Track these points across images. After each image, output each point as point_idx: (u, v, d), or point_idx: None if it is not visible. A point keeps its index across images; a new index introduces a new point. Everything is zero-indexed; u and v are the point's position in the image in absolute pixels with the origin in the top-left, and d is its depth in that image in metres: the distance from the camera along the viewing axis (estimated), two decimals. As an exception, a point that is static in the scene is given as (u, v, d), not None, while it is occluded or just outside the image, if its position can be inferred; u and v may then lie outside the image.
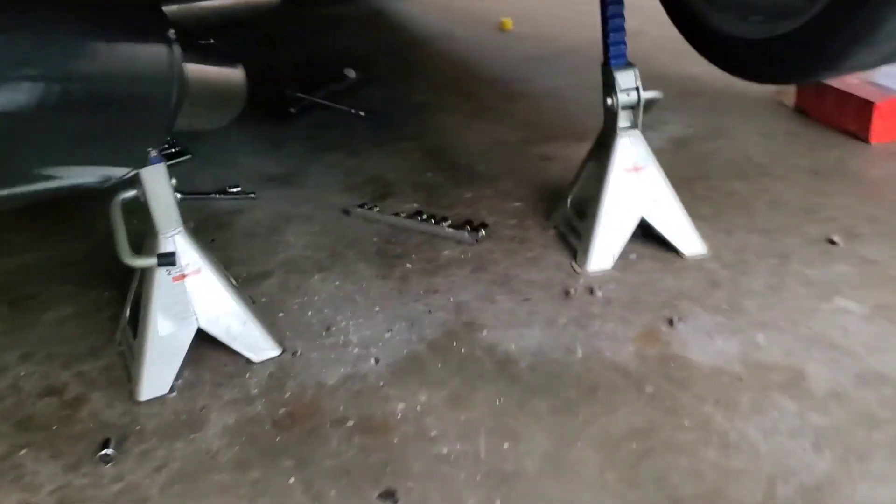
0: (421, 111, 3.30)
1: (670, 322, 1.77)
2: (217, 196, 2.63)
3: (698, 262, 2.02)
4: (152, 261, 1.63)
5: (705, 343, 1.70)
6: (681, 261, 2.03)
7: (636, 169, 2.02)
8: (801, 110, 2.96)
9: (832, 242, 2.05)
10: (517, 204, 2.43)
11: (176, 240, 1.70)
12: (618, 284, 1.96)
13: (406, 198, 2.54)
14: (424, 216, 2.35)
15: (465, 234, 2.22)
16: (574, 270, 2.04)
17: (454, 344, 1.76)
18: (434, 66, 3.96)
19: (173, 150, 2.98)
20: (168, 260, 1.65)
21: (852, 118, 2.71)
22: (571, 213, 2.18)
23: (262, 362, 1.75)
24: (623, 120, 2.01)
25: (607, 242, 2.02)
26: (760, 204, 2.31)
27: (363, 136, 3.09)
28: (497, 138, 2.96)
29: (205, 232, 2.40)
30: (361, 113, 3.24)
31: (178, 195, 2.45)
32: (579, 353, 1.70)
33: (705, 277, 1.95)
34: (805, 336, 1.70)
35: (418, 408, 1.57)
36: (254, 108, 3.51)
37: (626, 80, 1.98)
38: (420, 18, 5.02)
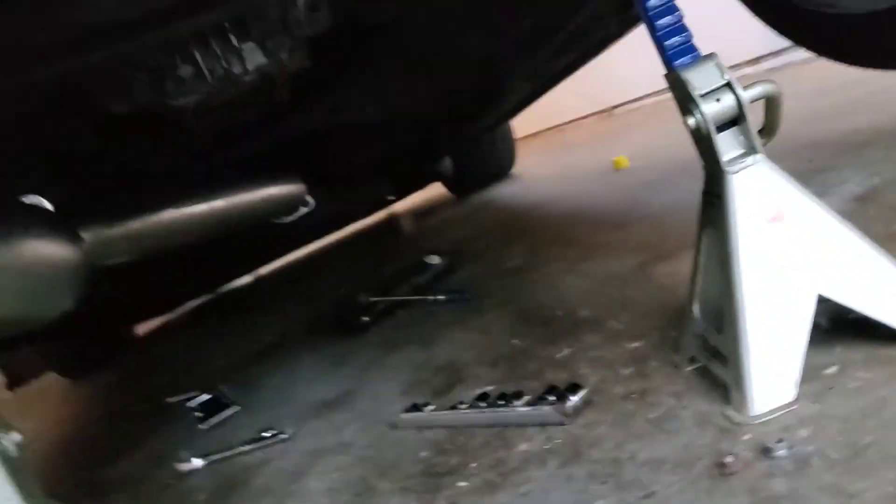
0: (512, 277, 2.57)
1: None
2: (245, 449, 1.96)
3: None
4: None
5: None
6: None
7: (777, 217, 1.15)
8: None
9: None
10: (634, 345, 1.58)
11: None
12: (816, 427, 1.04)
13: (479, 380, 1.76)
14: (491, 399, 1.54)
15: (547, 411, 1.38)
16: (729, 422, 1.13)
17: None
18: (533, 229, 3.28)
19: (221, 404, 2.43)
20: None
21: None
22: (705, 327, 1.29)
23: None
24: (727, 145, 1.18)
25: (773, 359, 1.11)
26: None
27: (440, 321, 2.38)
28: (606, 272, 2.15)
29: (216, 502, 1.73)
30: (441, 297, 2.56)
31: (199, 461, 1.86)
32: None
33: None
34: None
35: None
36: (320, 331, 3.01)
37: (704, 78, 1.18)
38: (526, 193, 4.44)
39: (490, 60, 2.40)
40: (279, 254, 4.91)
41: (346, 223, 5.01)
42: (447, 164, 4.94)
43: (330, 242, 5.80)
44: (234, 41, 1.28)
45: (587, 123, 6.42)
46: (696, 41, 1.22)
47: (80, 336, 4.44)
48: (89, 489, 2.27)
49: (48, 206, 1.50)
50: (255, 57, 1.31)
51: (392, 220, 5.96)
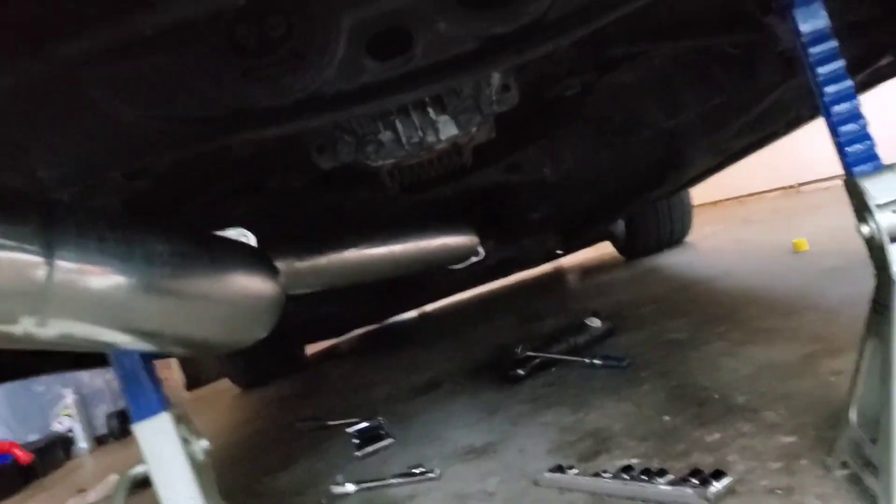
0: (673, 349, 2.55)
1: None
2: (394, 481, 2.08)
3: None
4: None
5: None
6: None
7: (948, 334, 1.12)
8: None
9: None
10: (787, 439, 1.56)
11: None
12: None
13: (625, 451, 1.78)
14: (635, 473, 1.56)
15: (689, 493, 1.40)
16: (876, 534, 1.11)
17: None
18: (701, 302, 3.22)
19: (377, 434, 2.58)
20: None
21: None
22: (861, 436, 1.27)
23: None
24: (902, 256, 1.18)
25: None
26: None
27: (594, 386, 2.41)
28: (769, 360, 2.11)
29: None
30: (597, 361, 2.59)
31: (351, 486, 2.00)
32: None
33: None
34: None
35: None
36: (477, 376, 3.10)
37: (883, 188, 1.18)
38: (697, 263, 4.36)
39: (672, 134, 2.43)
40: (446, 294, 5.09)
41: (513, 272, 5.12)
42: (619, 224, 4.94)
43: (496, 287, 5.94)
44: (432, 114, 1.43)
45: (770, 198, 6.22)
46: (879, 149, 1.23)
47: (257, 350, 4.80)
48: (252, 497, 2.47)
49: (252, 238, 1.71)
50: (448, 129, 1.44)
51: (559, 273, 6.01)
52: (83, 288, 1.01)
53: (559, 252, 4.81)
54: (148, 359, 1.21)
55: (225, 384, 5.94)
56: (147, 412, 1.19)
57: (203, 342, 1.35)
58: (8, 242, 0.90)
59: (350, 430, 2.80)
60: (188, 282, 1.20)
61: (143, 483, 1.32)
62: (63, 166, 1.31)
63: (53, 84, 1.14)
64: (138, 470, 1.26)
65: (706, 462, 1.56)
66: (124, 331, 1.14)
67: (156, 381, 1.21)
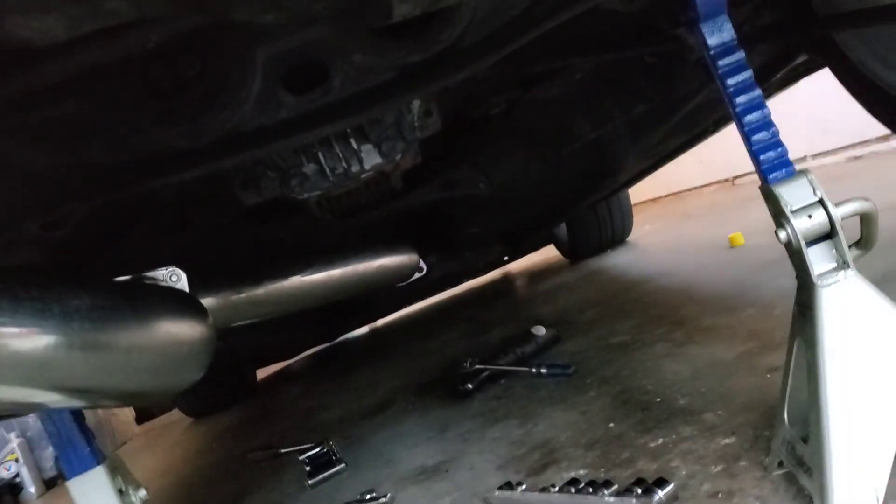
0: (617, 354, 2.58)
1: None
2: (343, 510, 2.07)
3: None
4: None
5: None
6: None
7: (867, 333, 1.16)
8: None
9: None
10: (727, 441, 1.59)
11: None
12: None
13: (572, 462, 1.80)
14: (581, 485, 1.58)
15: (633, 503, 1.41)
16: (811, 534, 1.14)
17: None
18: (643, 303, 3.27)
19: (329, 460, 2.56)
20: None
21: None
22: (794, 435, 1.30)
23: None
24: (819, 259, 1.21)
25: (856, 476, 1.12)
26: None
27: (541, 395, 2.43)
28: (709, 360, 2.15)
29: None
30: (543, 370, 2.61)
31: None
32: None
33: None
34: None
35: None
36: (427, 392, 3.10)
37: (796, 195, 1.21)
38: (639, 262, 4.42)
39: (600, 142, 2.46)
40: (394, 309, 5.08)
41: (459, 283, 5.14)
42: (561, 228, 4.99)
43: (446, 297, 5.95)
44: (354, 144, 1.42)
45: (707, 192, 6.35)
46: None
47: (206, 380, 4.73)
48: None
49: (183, 276, 1.68)
50: (371, 158, 1.44)
51: (507, 279, 6.05)
52: (2, 350, 0.98)
53: (505, 259, 4.84)
54: (79, 414, 1.18)
55: (176, 415, 5.83)
56: (80, 467, 1.16)
57: (135, 393, 1.32)
58: None
59: (302, 457, 2.77)
60: (111, 335, 1.17)
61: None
62: None
63: None
64: (73, 529, 1.22)
65: (650, 469, 1.58)
66: (52, 390, 1.11)
67: (88, 435, 1.19)
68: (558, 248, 5.30)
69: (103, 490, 1.18)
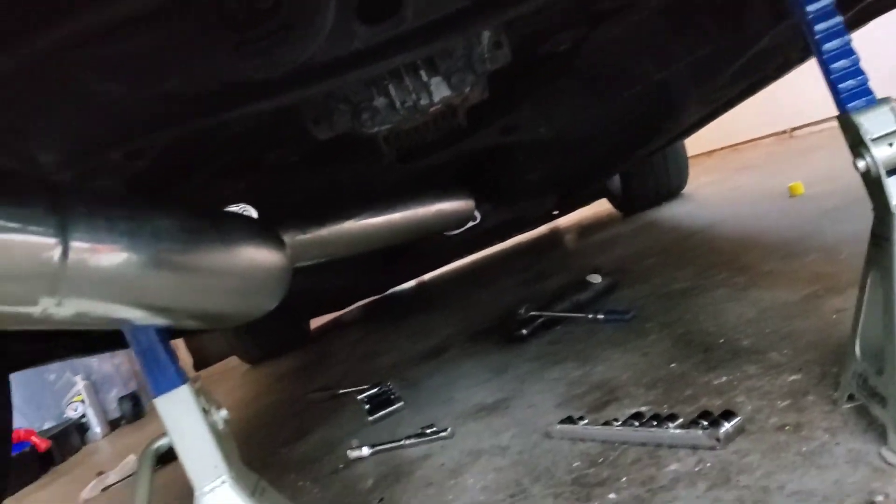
0: (676, 299, 2.57)
1: None
2: (407, 442, 2.12)
3: None
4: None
5: None
6: None
7: (949, 262, 1.14)
8: None
9: None
10: (793, 377, 1.58)
11: (217, 496, 1.20)
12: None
13: (634, 400, 1.81)
14: (645, 419, 1.59)
15: (699, 434, 1.43)
16: (884, 462, 1.14)
17: None
18: (702, 251, 3.24)
19: (387, 399, 2.62)
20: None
21: None
22: (866, 368, 1.30)
23: None
24: (899, 189, 1.19)
25: (934, 402, 1.11)
26: None
27: (599, 340, 2.44)
28: (773, 302, 2.13)
29: (381, 488, 1.90)
30: (601, 316, 2.62)
31: (367, 450, 2.03)
32: None
33: None
34: None
35: None
36: (482, 338, 3.14)
37: (877, 122, 1.19)
38: (696, 213, 4.37)
39: (664, 86, 2.43)
40: (445, 261, 5.12)
41: (511, 235, 5.14)
42: (615, 180, 4.94)
43: (494, 252, 5.96)
44: (424, 76, 1.43)
45: (764, 144, 6.22)
46: (873, 83, 1.24)
47: (264, 326, 4.86)
48: (271, 466, 2.51)
49: (254, 212, 1.72)
50: (441, 90, 1.45)
51: (556, 235, 6.03)
52: (96, 267, 1.02)
53: (556, 212, 4.82)
54: (164, 334, 1.23)
55: (233, 362, 5.99)
56: (167, 386, 1.21)
57: (215, 315, 1.37)
58: (22, 225, 0.92)
59: (360, 397, 2.84)
60: (198, 256, 1.21)
61: (164, 459, 1.35)
62: (62, 150, 1.31)
63: (45, 69, 1.14)
64: (161, 443, 1.28)
65: (715, 405, 1.59)
66: (138, 307, 1.16)
67: (173, 355, 1.23)
68: (611, 201, 5.25)
69: (189, 407, 1.23)
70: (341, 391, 3.12)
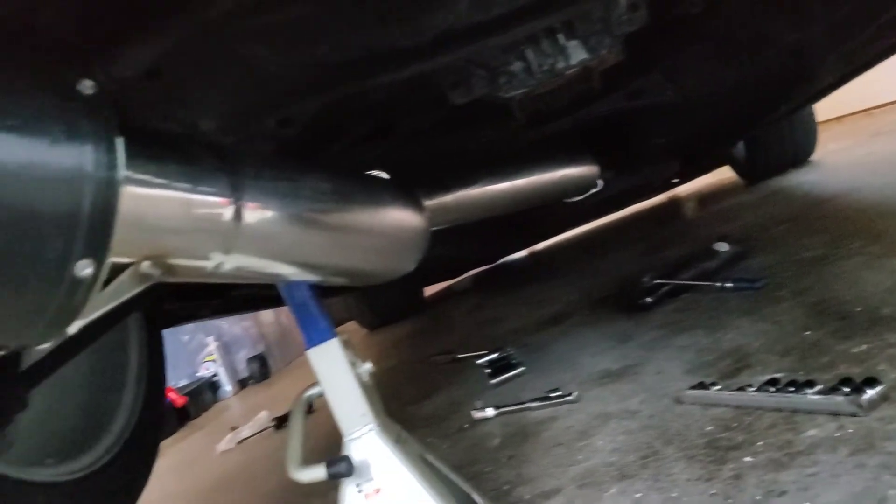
0: (808, 267, 2.50)
1: None
2: (532, 405, 2.16)
3: None
4: (320, 472, 1.22)
5: None
6: None
7: None
8: None
9: None
10: (941, 347, 1.53)
11: (364, 442, 1.27)
12: None
13: (767, 367, 1.79)
14: (781, 385, 1.57)
15: (840, 400, 1.40)
16: None
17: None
18: (834, 219, 3.11)
19: (509, 364, 2.67)
20: (339, 470, 1.21)
21: None
22: None
23: None
24: None
25: None
26: None
27: (727, 308, 2.40)
28: (915, 272, 2.04)
29: (509, 447, 1.95)
30: (729, 284, 2.57)
31: (491, 411, 2.10)
32: None
33: None
34: None
35: None
36: (603, 306, 3.13)
37: None
38: (826, 181, 4.19)
39: (798, 47, 2.34)
40: (562, 228, 5.10)
41: (631, 203, 5.07)
42: (739, 147, 4.79)
43: (605, 222, 5.90)
44: (562, 40, 1.45)
45: (902, 108, 5.87)
46: None
47: (382, 293, 5.00)
48: (400, 423, 2.60)
49: (388, 178, 1.78)
50: (578, 53, 1.46)
51: (674, 203, 5.91)
52: (262, 225, 1.11)
53: (676, 181, 4.72)
54: (316, 290, 1.31)
55: (350, 328, 6.19)
56: (319, 338, 1.29)
57: (362, 272, 1.44)
58: (201, 185, 1.00)
59: (480, 361, 2.90)
60: (350, 216, 1.28)
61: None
62: (221, 117, 1.41)
63: (209, 38, 1.22)
64: (312, 392, 1.37)
65: (854, 372, 1.55)
66: (294, 263, 1.24)
67: (324, 310, 1.31)
68: (735, 168, 5.08)
69: (339, 359, 1.31)
70: (461, 356, 3.19)
